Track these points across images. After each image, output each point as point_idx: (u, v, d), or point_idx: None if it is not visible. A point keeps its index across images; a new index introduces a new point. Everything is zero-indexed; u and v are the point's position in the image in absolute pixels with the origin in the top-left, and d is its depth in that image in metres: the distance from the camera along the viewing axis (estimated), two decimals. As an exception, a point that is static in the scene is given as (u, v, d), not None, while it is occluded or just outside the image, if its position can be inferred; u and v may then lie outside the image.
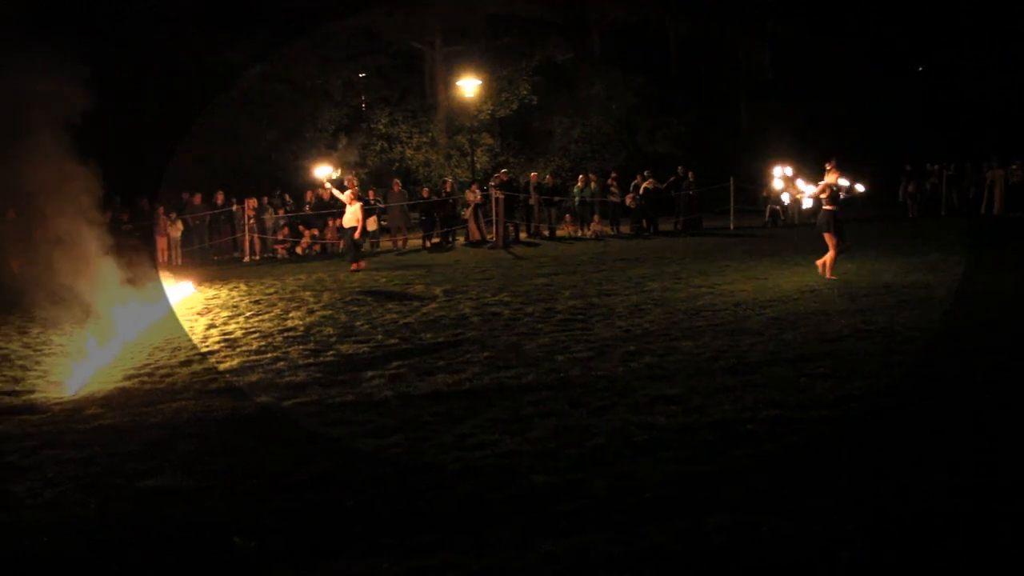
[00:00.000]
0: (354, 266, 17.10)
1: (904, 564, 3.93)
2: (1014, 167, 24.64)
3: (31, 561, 4.37)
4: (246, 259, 21.85)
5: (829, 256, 12.76)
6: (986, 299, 10.53)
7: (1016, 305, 10.13)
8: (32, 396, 7.73)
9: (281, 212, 23.22)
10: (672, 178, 25.12)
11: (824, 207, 12.82)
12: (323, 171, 23.07)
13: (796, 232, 22.39)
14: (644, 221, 24.37)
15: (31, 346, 10.23)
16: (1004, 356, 7.62)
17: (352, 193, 17.45)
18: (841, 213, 12.84)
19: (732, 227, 24.51)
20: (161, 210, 21.54)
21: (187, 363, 8.87)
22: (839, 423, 5.92)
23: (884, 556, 3.99)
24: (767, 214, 25.94)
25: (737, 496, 4.71)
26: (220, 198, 22.78)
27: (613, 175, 25.80)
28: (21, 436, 6.40)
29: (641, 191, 24.32)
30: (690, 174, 24.97)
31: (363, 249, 22.71)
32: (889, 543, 4.11)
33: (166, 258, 20.94)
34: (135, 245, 17.95)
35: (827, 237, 12.72)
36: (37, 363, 9.23)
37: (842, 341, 8.46)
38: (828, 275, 12.68)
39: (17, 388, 8.06)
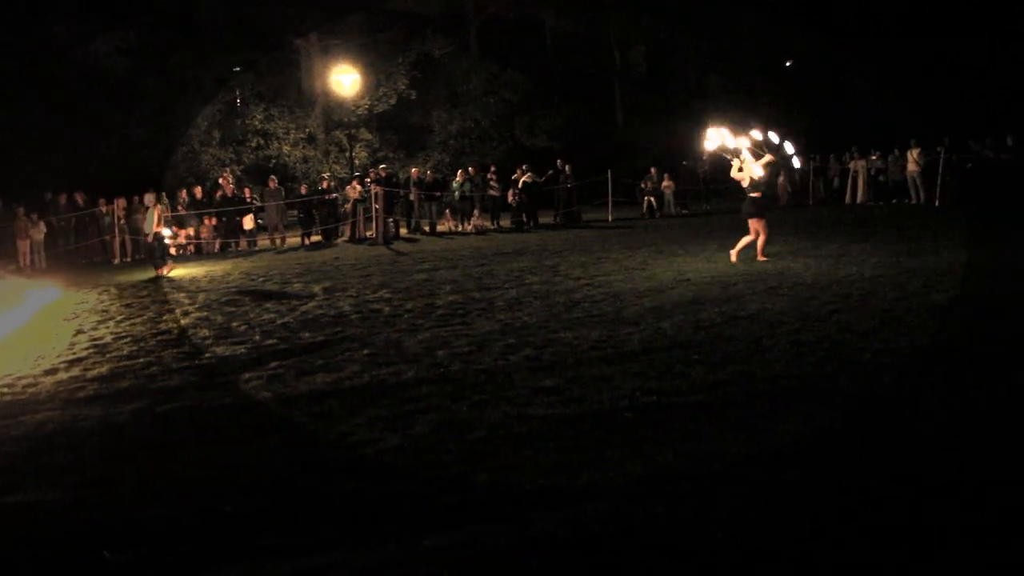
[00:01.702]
0: (162, 270, 16.85)
1: (777, 543, 4.08)
2: (873, 157, 25.82)
3: None
4: (116, 261, 21.09)
5: (747, 240, 13.61)
6: (851, 284, 10.98)
7: (881, 288, 10.59)
8: None
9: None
10: (550, 171, 25.39)
11: (751, 194, 13.47)
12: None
13: (671, 223, 22.96)
14: (524, 215, 24.56)
15: None
16: (874, 337, 7.99)
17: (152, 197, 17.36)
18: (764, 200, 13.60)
19: (610, 219, 24.93)
20: (21, 211, 20.51)
21: (52, 371, 8.51)
22: (714, 407, 6.09)
23: (757, 537, 4.13)
24: (644, 207, 26.49)
25: (616, 483, 4.81)
26: (81, 198, 21.88)
27: (492, 169, 25.92)
28: None
29: (520, 185, 24.51)
30: (567, 167, 25.27)
31: (240, 248, 22.30)
32: (762, 523, 4.25)
33: (28, 262, 19.99)
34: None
35: (754, 223, 13.49)
36: None
37: (716, 328, 8.72)
38: (735, 259, 13.53)
39: None
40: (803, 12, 33.24)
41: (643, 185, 26.75)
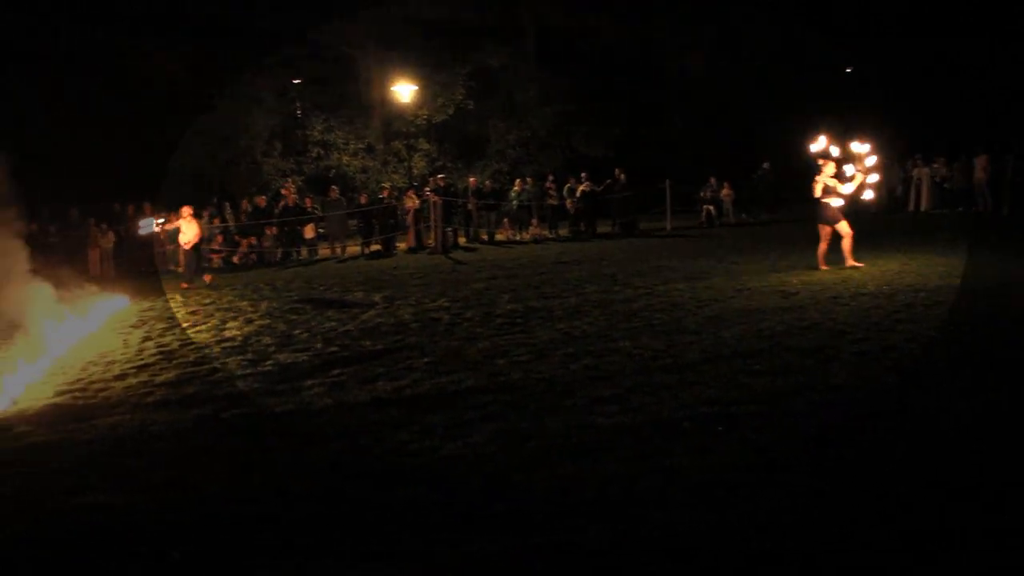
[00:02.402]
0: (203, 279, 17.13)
1: (847, 556, 4.02)
2: (936, 164, 25.30)
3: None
4: (181, 269, 21.49)
5: (844, 245, 13.46)
6: (916, 294, 10.77)
7: (949, 298, 10.38)
8: (-41, 414, 7.54)
9: (216, 221, 22.92)
10: (608, 180, 25.34)
11: (832, 200, 13.38)
12: None
13: (731, 232, 22.75)
14: (582, 224, 24.55)
15: (-43, 363, 9.97)
16: (939, 348, 7.83)
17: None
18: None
19: (668, 228, 24.79)
20: (92, 221, 21.10)
21: (122, 377, 8.72)
22: (776, 418, 6.02)
23: (818, 545, 4.07)
24: (703, 215, 26.30)
25: (678, 493, 4.78)
26: (148, 209, 22.38)
27: (550, 178, 25.94)
28: (-54, 456, 6.25)
29: (578, 194, 24.50)
30: (622, 176, 25.18)
31: (301, 257, 22.60)
32: (832, 535, 4.20)
33: (98, 270, 20.51)
34: (64, 257, 17.63)
35: (826, 229, 13.48)
36: (-37, 380, 8.99)
37: (777, 337, 8.62)
38: (823, 265, 13.40)
39: (-57, 406, 7.85)
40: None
41: (702, 194, 26.57)
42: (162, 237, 20.81)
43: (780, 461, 5.16)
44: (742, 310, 10.32)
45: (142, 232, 18.26)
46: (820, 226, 13.60)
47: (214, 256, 22.42)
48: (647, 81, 37.12)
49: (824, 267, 13.30)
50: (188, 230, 17.18)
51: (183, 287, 16.63)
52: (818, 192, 13.45)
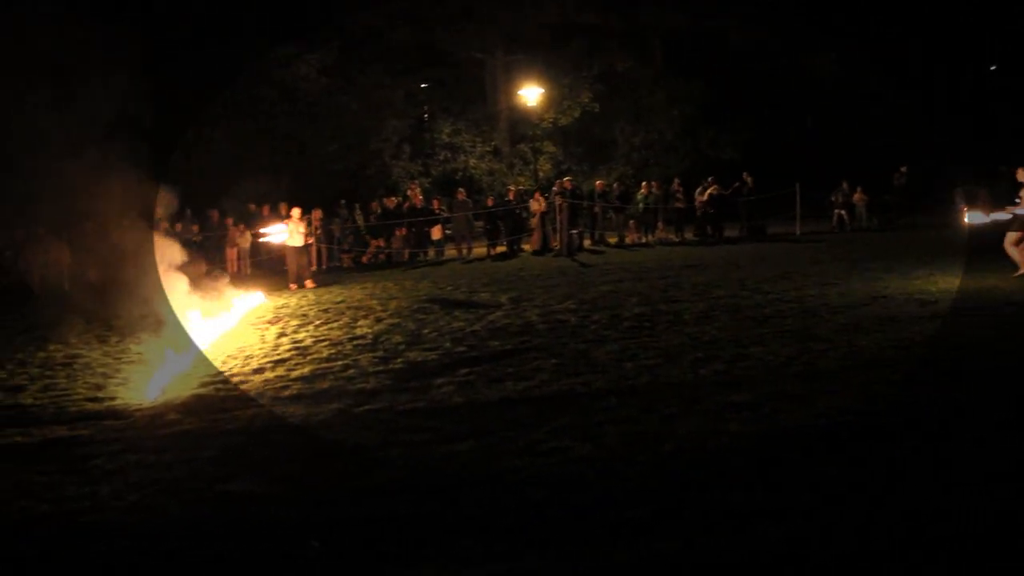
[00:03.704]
0: (304, 285, 17.35)
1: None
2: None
3: (119, 561, 4.49)
4: (313, 268, 22.13)
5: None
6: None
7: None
8: (114, 403, 7.95)
9: (350, 224, 23.51)
10: (736, 184, 24.89)
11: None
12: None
13: (864, 238, 22.03)
14: (709, 227, 24.20)
15: (110, 354, 10.51)
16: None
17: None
18: None
19: (798, 233, 24.18)
20: (230, 221, 22.00)
21: (259, 371, 9.03)
22: (916, 432, 5.79)
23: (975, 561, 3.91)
24: (834, 220, 25.56)
25: (814, 503, 4.66)
26: (284, 209, 23.13)
27: (677, 181, 25.65)
28: (105, 441, 6.60)
29: (706, 197, 24.16)
30: (750, 179, 24.70)
31: (428, 257, 22.98)
32: (985, 550, 4.02)
33: (236, 269, 21.35)
34: (205, 256, 18.40)
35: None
36: (117, 370, 9.48)
37: (916, 348, 8.30)
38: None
39: (99, 395, 8.29)
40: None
41: (834, 198, 25.81)
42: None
43: (917, 479, 4.96)
44: (878, 318, 9.97)
45: (273, 240, 18.63)
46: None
47: (344, 256, 23.01)
48: (777, 82, 36.32)
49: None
50: (296, 232, 17.60)
51: (291, 288, 17.09)
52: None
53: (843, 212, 25.40)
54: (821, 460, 5.32)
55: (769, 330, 9.60)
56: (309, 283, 17.49)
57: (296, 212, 17.88)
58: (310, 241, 18.67)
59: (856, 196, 25.71)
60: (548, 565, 4.15)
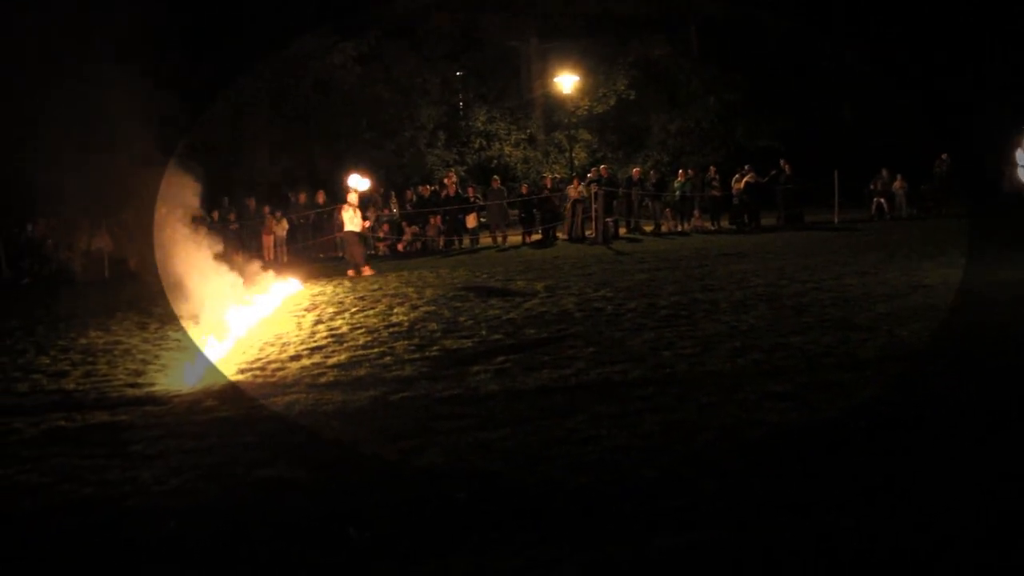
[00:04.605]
0: (361, 272, 17.28)
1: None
2: None
3: (161, 544, 4.54)
4: (342, 255, 22.24)
5: None
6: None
7: None
8: (153, 388, 8.04)
9: (386, 211, 23.59)
10: (773, 172, 24.66)
11: None
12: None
13: (903, 226, 21.74)
14: (746, 216, 24.01)
15: (150, 340, 10.64)
16: None
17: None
18: None
19: (836, 221, 23.92)
20: (267, 209, 22.17)
21: (296, 358, 9.08)
22: (958, 424, 5.71)
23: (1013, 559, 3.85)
24: (872, 208, 25.25)
25: (853, 496, 4.60)
26: (322, 197, 23.30)
27: (713, 170, 25.46)
28: (146, 426, 6.67)
29: (742, 185, 23.97)
30: (787, 167, 24.45)
31: (463, 245, 23.02)
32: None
33: (272, 256, 21.51)
34: (242, 244, 18.56)
35: None
36: (156, 357, 9.59)
37: (959, 339, 8.18)
38: None
39: (139, 380, 8.39)
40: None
41: (872, 186, 25.49)
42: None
43: (957, 473, 4.88)
44: (919, 307, 9.83)
45: (350, 227, 18.36)
46: None
47: (379, 244, 23.09)
48: (814, 69, 35.87)
49: None
50: (352, 218, 17.62)
51: (350, 275, 17.14)
52: None
53: (882, 200, 25.09)
54: (860, 451, 5.26)
55: (808, 319, 9.50)
56: (367, 270, 17.48)
57: (353, 197, 17.81)
58: (367, 225, 18.52)
59: (896, 184, 25.36)
60: (583, 554, 4.14)
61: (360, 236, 17.75)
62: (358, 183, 17.85)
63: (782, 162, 24.78)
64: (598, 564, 4.04)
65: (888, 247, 16.52)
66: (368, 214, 19.76)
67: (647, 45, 33.20)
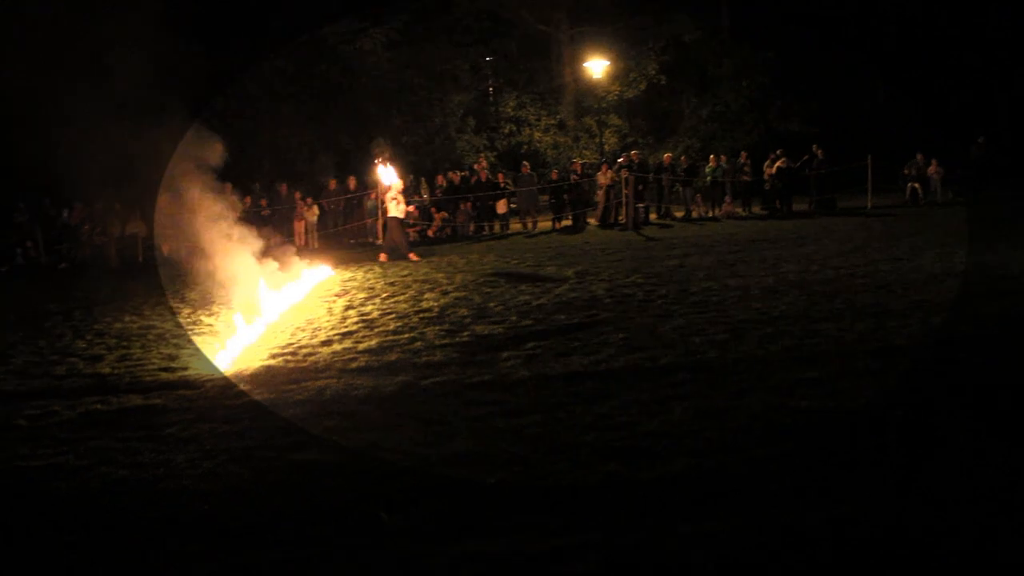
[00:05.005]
0: (408, 257, 17.16)
1: None
2: None
3: (194, 527, 4.60)
4: (379, 242, 22.30)
5: None
6: None
7: None
8: (186, 373, 8.13)
9: (416, 197, 23.62)
10: (805, 156, 24.40)
11: None
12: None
13: (938, 211, 21.46)
14: (777, 201, 23.81)
15: (182, 325, 10.74)
16: None
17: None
18: None
19: (869, 206, 23.65)
20: (298, 195, 22.28)
21: (328, 343, 9.14)
22: (992, 416, 5.64)
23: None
24: (907, 193, 24.93)
25: (885, 484, 4.57)
26: (353, 183, 23.37)
27: (744, 155, 25.24)
28: (179, 410, 6.76)
29: (774, 170, 23.76)
30: (820, 152, 24.18)
31: (493, 231, 23.01)
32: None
33: (303, 241, 21.62)
34: (274, 230, 18.66)
35: None
36: (189, 341, 9.69)
37: (994, 326, 8.08)
38: None
39: (172, 365, 8.49)
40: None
41: (906, 171, 25.16)
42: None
43: (993, 468, 4.83)
44: (954, 295, 9.72)
45: (394, 213, 18.14)
46: None
47: (410, 230, 23.11)
48: (850, 52, 35.43)
49: None
50: (397, 204, 17.48)
51: (382, 259, 17.14)
52: None
53: (917, 185, 24.75)
54: (893, 439, 5.22)
55: (840, 306, 9.42)
56: (412, 256, 17.44)
57: (399, 183, 17.75)
58: (411, 210, 18.35)
59: (931, 169, 25.02)
60: (613, 539, 4.14)
61: (403, 222, 17.64)
62: (384, 175, 17.82)
63: (814, 147, 24.50)
64: (625, 550, 4.05)
65: (923, 233, 16.32)
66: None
67: (679, 28, 32.89)
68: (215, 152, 11.42)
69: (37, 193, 21.56)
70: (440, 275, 14.18)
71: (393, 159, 18.85)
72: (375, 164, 18.34)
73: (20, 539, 4.64)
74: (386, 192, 17.43)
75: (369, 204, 22.90)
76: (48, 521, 4.84)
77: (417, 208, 23.13)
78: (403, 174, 18.79)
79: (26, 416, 6.83)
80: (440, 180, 24.25)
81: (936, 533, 4.02)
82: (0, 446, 6.09)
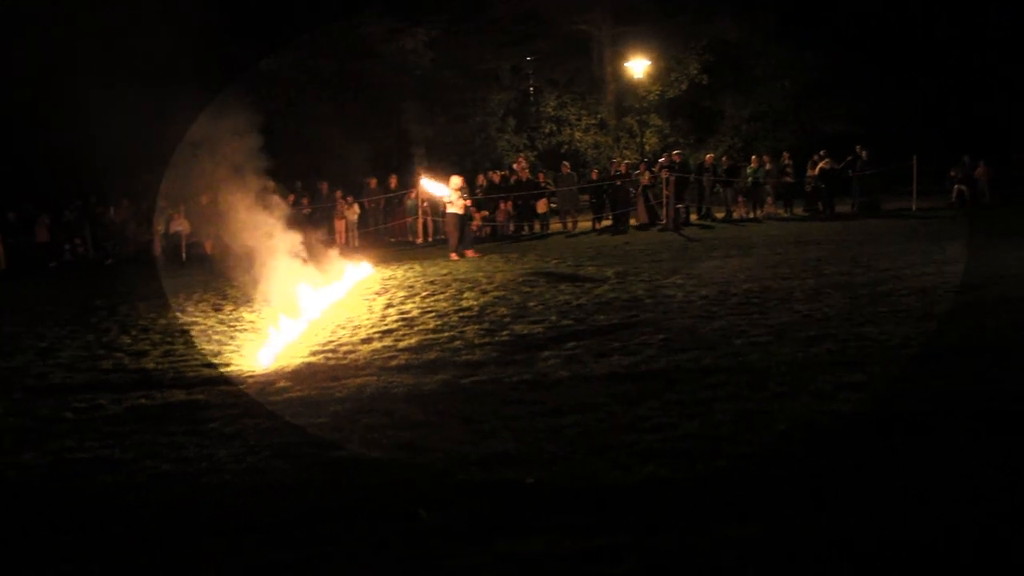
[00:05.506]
0: (465, 254, 17.17)
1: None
2: None
3: (237, 522, 4.64)
4: (419, 241, 22.42)
5: None
6: None
7: None
8: (228, 369, 8.23)
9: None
10: (849, 157, 24.12)
11: None
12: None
13: (985, 214, 21.11)
14: (820, 203, 23.57)
15: (225, 322, 10.88)
16: None
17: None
18: None
19: (914, 209, 23.33)
20: (339, 194, 22.46)
21: (368, 340, 9.20)
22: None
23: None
24: (953, 195, 24.56)
25: (929, 490, 4.51)
26: (394, 181, 23.51)
27: (786, 155, 24.99)
28: (222, 405, 6.84)
29: (817, 171, 23.52)
30: (863, 152, 23.87)
31: (533, 231, 23.01)
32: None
33: (344, 240, 21.79)
34: (315, 228, 18.81)
35: None
36: (231, 338, 9.81)
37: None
38: None
39: (215, 361, 8.60)
40: None
41: (953, 172, 24.79)
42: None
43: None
44: (1002, 299, 9.53)
45: (452, 210, 18.09)
46: None
47: (473, 224, 23.15)
48: (896, 52, 34.93)
49: None
50: (457, 200, 17.45)
51: (452, 258, 17.15)
52: None
53: (963, 187, 24.37)
54: (937, 444, 5.14)
55: (883, 309, 9.29)
56: (470, 252, 17.51)
57: (457, 180, 17.79)
58: (468, 203, 18.28)
59: (978, 171, 24.63)
60: (652, 541, 4.12)
61: (460, 219, 17.61)
62: (432, 188, 17.96)
63: (858, 147, 24.20)
64: (662, 553, 4.02)
65: (969, 236, 16.05)
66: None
67: (721, 28, 32.61)
68: (250, 137, 11.55)
69: (85, 192, 22.01)
70: (480, 274, 14.21)
71: (433, 169, 18.95)
72: (417, 177, 18.50)
73: (66, 529, 4.71)
74: (443, 199, 17.56)
75: (409, 203, 23.03)
76: (92, 514, 4.91)
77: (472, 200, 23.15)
78: (456, 173, 18.81)
79: (73, 409, 6.97)
80: (481, 179, 24.30)
81: (987, 539, 3.95)
82: (48, 438, 6.21)
